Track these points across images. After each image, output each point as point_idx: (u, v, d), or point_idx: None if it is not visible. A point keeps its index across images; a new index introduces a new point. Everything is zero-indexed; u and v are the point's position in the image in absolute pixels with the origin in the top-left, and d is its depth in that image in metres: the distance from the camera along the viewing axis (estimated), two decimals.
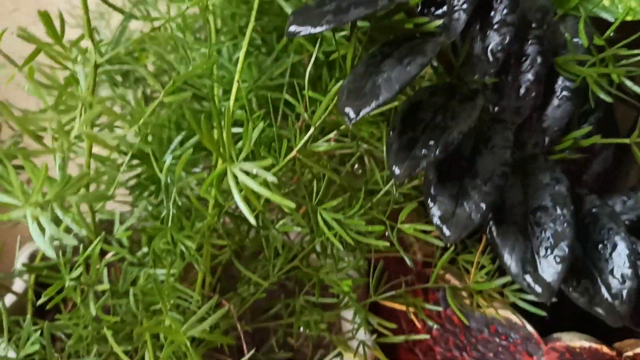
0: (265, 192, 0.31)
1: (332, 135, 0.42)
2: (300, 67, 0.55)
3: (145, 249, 0.45)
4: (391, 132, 0.37)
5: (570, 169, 0.48)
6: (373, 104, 0.33)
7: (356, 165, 0.49)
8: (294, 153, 0.37)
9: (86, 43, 0.37)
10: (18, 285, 0.54)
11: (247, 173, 0.32)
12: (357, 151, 0.46)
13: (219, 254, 0.46)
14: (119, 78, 0.57)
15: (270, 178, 0.31)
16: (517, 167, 0.43)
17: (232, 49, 0.54)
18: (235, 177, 0.32)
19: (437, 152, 0.35)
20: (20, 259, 0.56)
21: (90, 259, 0.41)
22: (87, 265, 0.42)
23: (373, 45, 0.39)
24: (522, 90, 0.43)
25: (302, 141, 0.36)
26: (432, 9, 0.40)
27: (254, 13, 0.44)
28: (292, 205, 0.31)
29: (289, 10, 0.47)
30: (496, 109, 0.44)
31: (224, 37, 0.51)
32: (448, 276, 0.49)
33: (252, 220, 0.30)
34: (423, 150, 0.35)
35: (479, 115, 0.37)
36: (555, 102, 0.45)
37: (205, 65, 0.36)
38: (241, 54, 0.43)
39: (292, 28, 0.35)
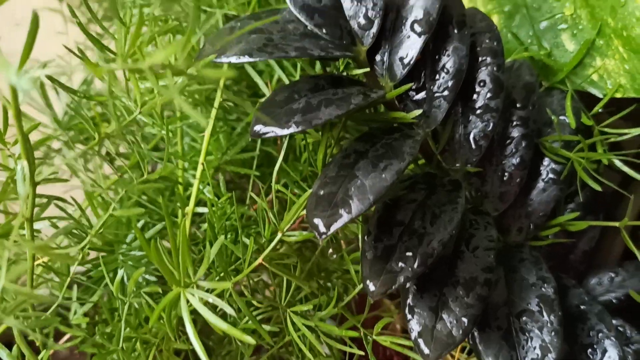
0: (222, 325, 0.27)
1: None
2: None
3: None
4: (366, 237, 0.34)
5: (556, 249, 0.46)
6: (345, 217, 0.30)
7: (330, 250, 0.45)
8: (259, 261, 0.33)
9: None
10: None
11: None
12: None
13: None
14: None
15: (229, 310, 0.27)
16: (501, 258, 0.40)
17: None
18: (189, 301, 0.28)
19: (415, 266, 0.32)
20: None
21: None
22: None
23: (347, 136, 0.36)
24: (505, 176, 0.40)
25: (269, 249, 0.33)
26: (412, 93, 0.37)
27: (219, 93, 0.41)
28: (252, 342, 0.27)
29: (259, 81, 0.44)
30: (478, 193, 0.41)
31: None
32: None
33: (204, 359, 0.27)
34: (400, 263, 0.32)
35: (461, 216, 0.34)
36: (541, 184, 0.42)
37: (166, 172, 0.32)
38: (205, 138, 0.40)
39: (257, 128, 0.31)
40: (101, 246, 0.39)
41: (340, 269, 0.47)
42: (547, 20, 0.44)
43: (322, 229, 0.30)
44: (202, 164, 0.41)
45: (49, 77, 0.37)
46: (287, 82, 0.46)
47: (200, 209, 0.44)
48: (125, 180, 0.35)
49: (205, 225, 0.45)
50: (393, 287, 0.31)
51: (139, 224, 0.42)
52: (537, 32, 0.44)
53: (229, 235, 0.42)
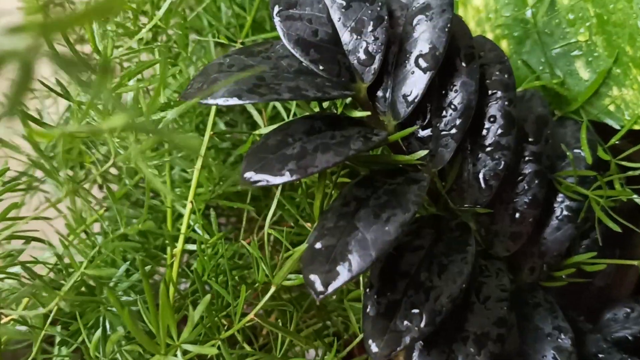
0: None
1: None
2: None
3: None
4: (368, 290, 0.31)
5: (570, 286, 0.43)
6: (345, 275, 0.27)
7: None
8: (251, 316, 0.31)
9: None
10: None
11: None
12: None
13: None
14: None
15: None
16: (513, 301, 0.38)
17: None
18: None
19: (422, 325, 0.29)
20: None
21: None
22: None
23: (346, 177, 0.34)
24: (517, 215, 0.38)
25: (260, 305, 0.30)
26: (417, 130, 0.34)
27: (210, 122, 0.38)
28: None
29: (254, 111, 0.42)
30: (487, 233, 0.38)
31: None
32: None
33: None
34: (405, 321, 0.29)
35: (472, 268, 0.31)
36: (555, 222, 0.40)
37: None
38: (195, 174, 0.37)
39: (248, 175, 0.28)
40: (80, 289, 0.36)
41: (340, 307, 0.45)
42: (560, 47, 0.41)
43: (320, 287, 0.27)
44: (192, 201, 0.38)
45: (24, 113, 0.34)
46: (282, 110, 0.43)
47: (190, 246, 0.42)
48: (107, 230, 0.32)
49: (194, 264, 0.42)
50: (397, 349, 0.29)
51: (124, 267, 0.39)
52: (549, 59, 0.41)
53: (219, 277, 0.40)
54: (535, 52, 0.42)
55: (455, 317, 0.33)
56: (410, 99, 0.32)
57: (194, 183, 0.37)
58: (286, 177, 0.28)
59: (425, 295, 0.30)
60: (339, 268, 0.28)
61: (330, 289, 0.27)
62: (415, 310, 0.30)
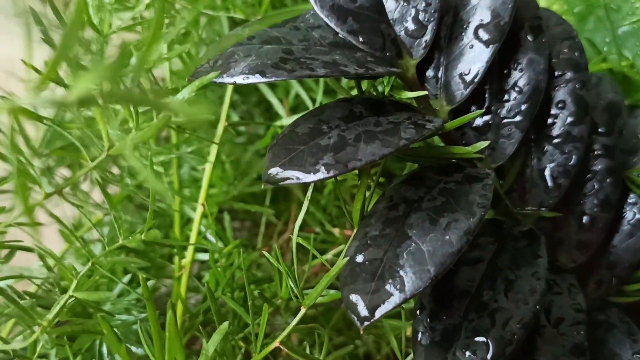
0: None
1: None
2: None
3: None
4: (418, 313, 0.25)
5: (636, 303, 0.37)
6: (396, 297, 0.22)
7: None
8: (275, 344, 0.25)
9: None
10: None
11: None
12: None
13: None
14: None
15: None
16: None
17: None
18: None
19: (489, 357, 0.23)
20: None
21: None
22: None
23: (390, 176, 0.28)
24: (585, 219, 0.32)
25: (287, 331, 0.25)
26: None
27: (224, 114, 0.32)
28: None
29: (274, 99, 0.36)
30: (550, 241, 0.32)
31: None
32: None
33: None
34: (467, 352, 0.24)
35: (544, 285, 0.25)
36: (626, 228, 0.34)
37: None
38: (206, 171, 0.32)
39: (273, 171, 0.23)
40: (74, 310, 0.31)
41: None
42: (628, 24, 0.35)
43: (364, 311, 0.22)
44: (203, 204, 0.33)
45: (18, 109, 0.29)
46: (307, 99, 0.38)
47: (201, 255, 0.36)
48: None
49: (205, 276, 0.37)
50: None
51: (126, 279, 0.33)
52: (617, 39, 0.36)
53: (235, 292, 0.34)
54: (599, 30, 0.36)
55: (522, 344, 0.27)
56: (468, 78, 0.26)
57: (205, 182, 0.32)
58: (321, 174, 0.22)
59: (491, 320, 0.24)
60: (388, 287, 0.22)
61: (378, 314, 0.22)
62: (480, 339, 0.24)
